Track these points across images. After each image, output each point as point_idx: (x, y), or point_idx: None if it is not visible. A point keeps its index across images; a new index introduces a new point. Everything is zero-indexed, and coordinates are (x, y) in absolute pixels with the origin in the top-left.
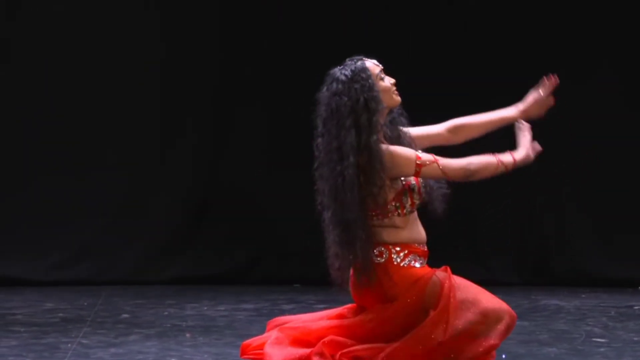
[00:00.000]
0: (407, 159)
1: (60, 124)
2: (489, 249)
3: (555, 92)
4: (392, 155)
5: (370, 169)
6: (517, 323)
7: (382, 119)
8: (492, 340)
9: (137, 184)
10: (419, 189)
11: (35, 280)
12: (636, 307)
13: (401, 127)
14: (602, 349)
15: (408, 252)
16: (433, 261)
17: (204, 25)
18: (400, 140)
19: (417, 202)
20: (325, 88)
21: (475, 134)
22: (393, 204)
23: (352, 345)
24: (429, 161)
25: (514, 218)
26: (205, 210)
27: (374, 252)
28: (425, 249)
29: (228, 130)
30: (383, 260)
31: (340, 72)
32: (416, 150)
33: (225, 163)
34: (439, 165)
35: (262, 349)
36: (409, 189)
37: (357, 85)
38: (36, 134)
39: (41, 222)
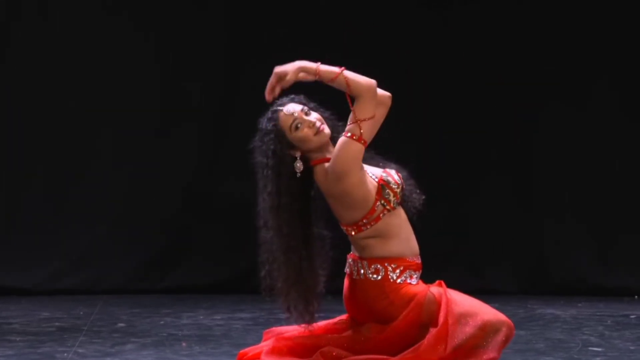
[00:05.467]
0: (342, 143)
1: (57, 133)
2: (486, 258)
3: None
4: (334, 159)
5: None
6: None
7: (310, 150)
8: (492, 353)
9: (134, 193)
10: (393, 178)
11: (32, 289)
12: (632, 316)
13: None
14: (598, 358)
15: (404, 268)
16: (431, 272)
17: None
18: None
19: (398, 191)
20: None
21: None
22: (379, 203)
23: (348, 356)
24: (350, 123)
25: (510, 227)
26: (201, 219)
27: (369, 270)
28: (419, 262)
29: (225, 137)
30: (380, 277)
31: (262, 124)
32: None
33: (222, 172)
34: (360, 116)
35: (258, 358)
36: (385, 183)
37: (265, 147)
38: (32, 143)
39: (37, 231)
